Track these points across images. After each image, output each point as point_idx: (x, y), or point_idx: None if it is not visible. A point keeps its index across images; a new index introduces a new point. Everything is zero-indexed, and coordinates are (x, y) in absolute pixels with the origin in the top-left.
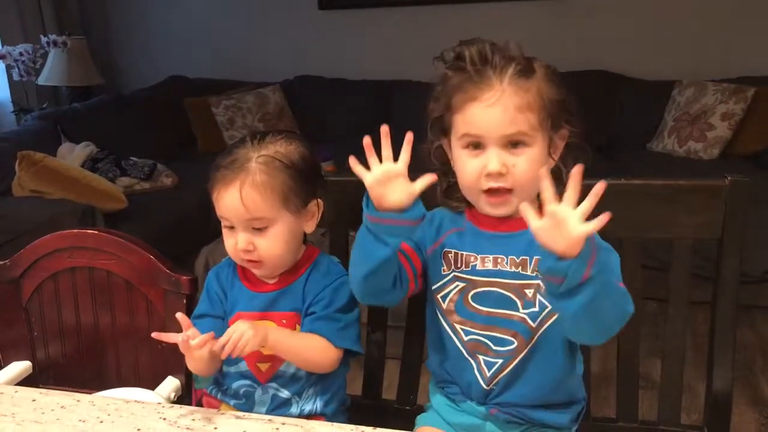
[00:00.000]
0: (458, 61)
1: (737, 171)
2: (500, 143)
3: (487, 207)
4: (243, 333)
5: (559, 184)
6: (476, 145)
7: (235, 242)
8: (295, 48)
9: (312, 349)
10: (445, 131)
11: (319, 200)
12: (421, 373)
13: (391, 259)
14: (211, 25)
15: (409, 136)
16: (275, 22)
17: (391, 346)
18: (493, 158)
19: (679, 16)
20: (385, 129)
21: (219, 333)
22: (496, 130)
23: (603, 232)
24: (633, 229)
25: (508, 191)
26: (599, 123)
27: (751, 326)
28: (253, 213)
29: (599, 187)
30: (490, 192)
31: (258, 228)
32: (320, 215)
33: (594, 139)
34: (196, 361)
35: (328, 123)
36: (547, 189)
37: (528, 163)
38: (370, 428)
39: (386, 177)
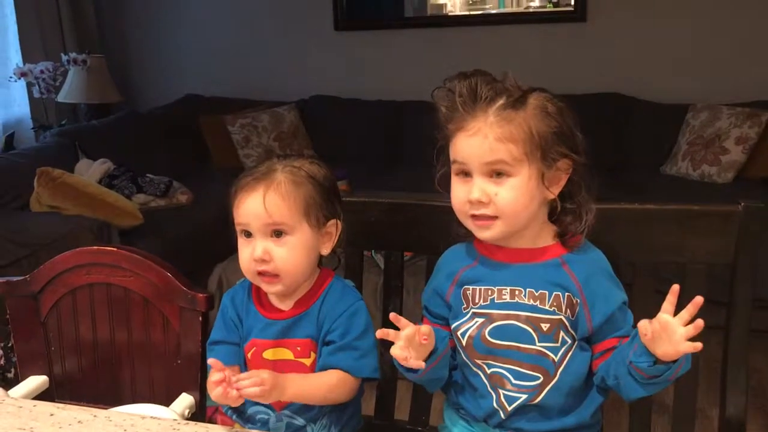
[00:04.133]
0: (450, 94)
1: (751, 195)
2: (483, 172)
3: (475, 230)
4: (262, 383)
5: (566, 213)
6: (465, 173)
7: (251, 251)
8: (310, 68)
9: (331, 389)
10: (447, 160)
11: (338, 222)
12: (433, 395)
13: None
14: (227, 45)
15: (393, 315)
16: (291, 43)
17: None
18: (476, 187)
19: (694, 40)
20: (393, 316)
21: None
22: (477, 158)
23: (615, 255)
24: (646, 253)
25: (492, 218)
26: (612, 146)
27: (765, 352)
28: (274, 218)
29: (698, 300)
30: (474, 217)
31: (276, 235)
32: (337, 237)
33: (606, 162)
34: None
35: (342, 142)
36: (668, 301)
37: (510, 192)
38: None
39: (408, 344)
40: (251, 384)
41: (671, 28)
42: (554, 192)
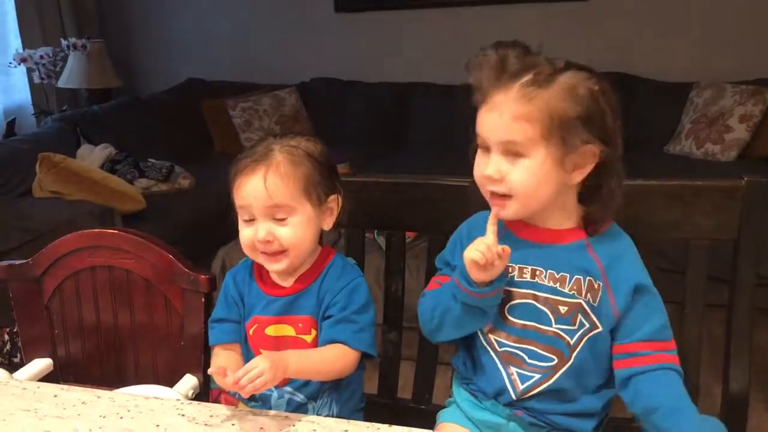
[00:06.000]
0: (480, 63)
1: (755, 173)
2: (500, 149)
3: (492, 207)
4: (261, 372)
5: (592, 198)
6: (486, 147)
7: (253, 233)
8: (311, 50)
9: (332, 362)
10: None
11: (338, 197)
12: (436, 374)
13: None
14: (228, 28)
15: (493, 212)
16: (291, 25)
17: (405, 347)
18: (491, 163)
19: (697, 18)
20: (494, 211)
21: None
22: (493, 134)
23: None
24: (649, 230)
25: (506, 196)
26: None
27: None
28: (275, 200)
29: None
30: (491, 194)
31: (279, 218)
32: (338, 212)
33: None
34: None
35: (343, 125)
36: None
37: (522, 174)
38: (386, 426)
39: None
40: (249, 380)
41: (673, 6)
42: (577, 178)
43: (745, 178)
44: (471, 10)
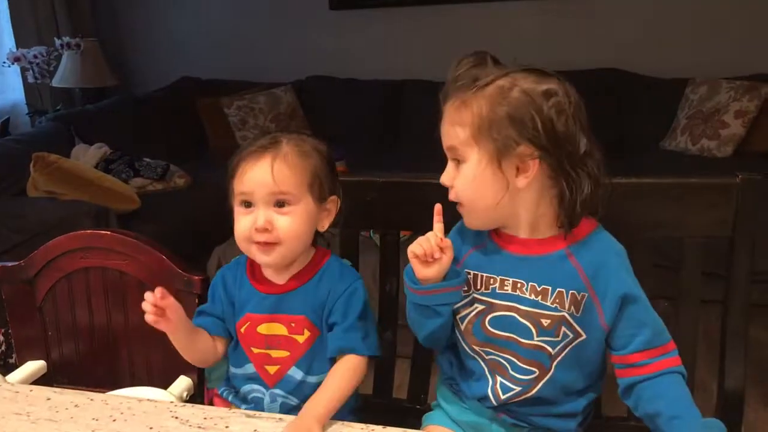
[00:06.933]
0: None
1: (751, 169)
2: (449, 156)
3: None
4: None
5: (565, 201)
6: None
7: (252, 220)
8: (306, 48)
9: (349, 380)
10: None
11: (338, 199)
12: (431, 373)
13: (446, 323)
14: (223, 26)
15: (438, 207)
16: (287, 23)
17: (402, 345)
18: (445, 171)
19: (692, 14)
20: (438, 207)
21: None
22: (443, 142)
23: (614, 230)
24: (644, 227)
25: (459, 204)
26: (611, 121)
27: (765, 325)
28: (280, 187)
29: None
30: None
31: (279, 205)
32: (335, 214)
33: (605, 138)
34: (171, 333)
35: (339, 123)
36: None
37: (462, 178)
38: (380, 427)
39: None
40: None
41: (668, 2)
42: (523, 181)
43: (740, 175)
44: (466, 6)
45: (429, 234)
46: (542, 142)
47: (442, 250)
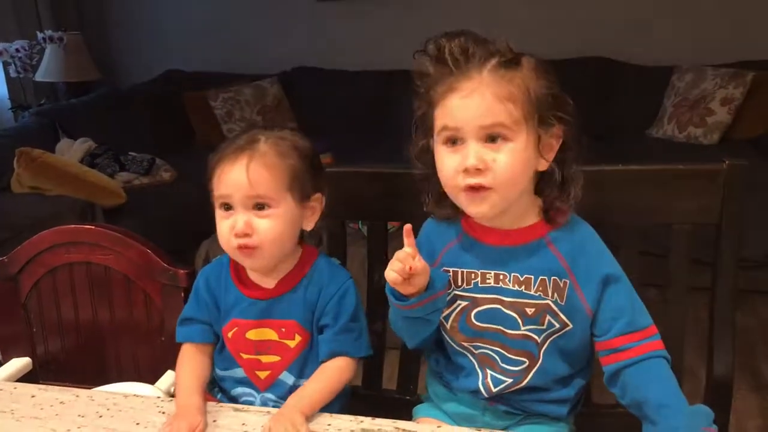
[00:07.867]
0: (439, 54)
1: (738, 155)
2: (478, 136)
3: (467, 204)
4: None
5: (552, 186)
6: (454, 140)
7: (231, 225)
8: (292, 39)
9: (337, 379)
10: (430, 130)
11: (322, 196)
12: (421, 363)
13: (436, 327)
14: (208, 18)
15: (407, 228)
16: (272, 14)
17: (391, 335)
18: (471, 152)
19: (678, 1)
20: (408, 228)
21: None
22: (472, 120)
23: (601, 218)
24: (631, 214)
25: (484, 189)
26: (598, 110)
27: (753, 311)
28: (257, 189)
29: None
30: (468, 189)
31: (258, 208)
32: (321, 212)
33: (593, 126)
34: None
35: (326, 114)
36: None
37: (509, 159)
38: (369, 418)
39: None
40: None
41: None
42: (548, 160)
43: (726, 162)
44: None
45: (398, 253)
46: (570, 122)
47: (415, 270)
